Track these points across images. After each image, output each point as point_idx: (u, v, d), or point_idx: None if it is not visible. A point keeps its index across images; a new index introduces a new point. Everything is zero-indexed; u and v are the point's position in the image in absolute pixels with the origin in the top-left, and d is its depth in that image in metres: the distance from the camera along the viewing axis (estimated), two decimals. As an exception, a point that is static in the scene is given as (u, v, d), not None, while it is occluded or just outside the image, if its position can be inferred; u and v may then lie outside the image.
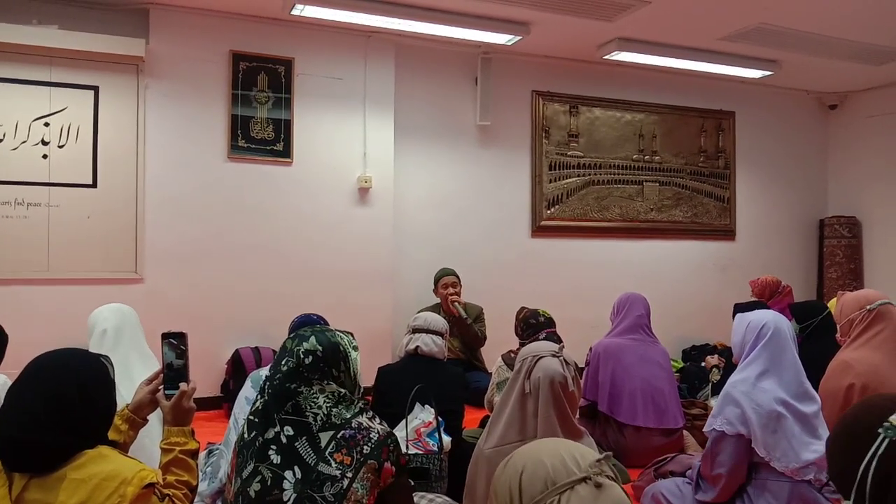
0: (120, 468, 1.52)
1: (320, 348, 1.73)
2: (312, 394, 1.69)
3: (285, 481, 1.61)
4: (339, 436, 1.65)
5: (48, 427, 1.50)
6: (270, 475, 1.63)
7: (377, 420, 1.76)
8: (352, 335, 1.86)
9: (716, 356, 4.43)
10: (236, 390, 3.31)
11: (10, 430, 1.50)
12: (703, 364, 4.36)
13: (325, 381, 1.71)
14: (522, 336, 3.65)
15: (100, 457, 1.54)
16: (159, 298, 4.23)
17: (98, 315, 2.75)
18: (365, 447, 1.64)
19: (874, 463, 1.08)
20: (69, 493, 1.47)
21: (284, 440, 1.65)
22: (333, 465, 1.61)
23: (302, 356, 1.72)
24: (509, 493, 1.15)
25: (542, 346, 2.50)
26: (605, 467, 1.16)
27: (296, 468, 1.62)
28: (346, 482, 1.60)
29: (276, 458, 1.64)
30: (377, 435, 1.67)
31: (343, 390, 1.72)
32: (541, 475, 1.14)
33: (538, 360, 2.36)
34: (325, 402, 1.68)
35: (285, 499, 1.60)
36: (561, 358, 2.39)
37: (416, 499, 2.29)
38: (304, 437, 1.65)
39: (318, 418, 1.67)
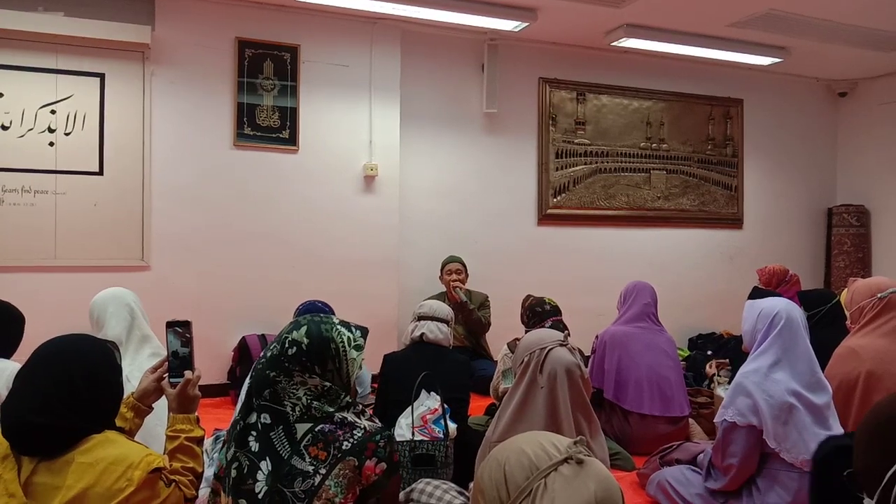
0: (127, 452, 1.53)
1: (306, 341, 1.64)
2: (292, 385, 1.62)
3: (259, 472, 1.56)
4: (317, 429, 1.58)
5: (57, 411, 1.51)
6: (247, 463, 1.58)
7: (366, 416, 1.68)
8: (363, 332, 1.75)
9: (713, 363, 4.35)
10: (243, 377, 3.32)
11: (20, 413, 1.52)
12: (704, 373, 4.29)
13: (308, 375, 1.63)
14: (528, 324, 3.65)
15: (107, 441, 1.55)
16: (166, 286, 4.24)
17: (112, 298, 2.74)
18: (345, 443, 1.56)
19: None
20: (77, 477, 1.48)
21: (261, 428, 1.60)
22: (307, 459, 1.55)
23: (287, 345, 1.65)
24: (495, 487, 1.17)
25: (544, 334, 2.48)
26: (581, 447, 1.18)
27: (268, 459, 1.56)
28: (318, 479, 1.53)
29: (254, 446, 1.59)
30: (362, 431, 1.59)
31: (328, 384, 1.63)
32: (524, 464, 1.16)
33: (548, 352, 2.34)
34: (304, 394, 1.61)
35: (257, 490, 1.55)
36: (568, 346, 2.39)
37: (421, 485, 2.30)
38: (281, 427, 1.59)
39: (297, 409, 1.60)
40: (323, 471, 1.54)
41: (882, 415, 1.15)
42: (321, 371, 1.64)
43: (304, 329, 1.66)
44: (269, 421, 1.60)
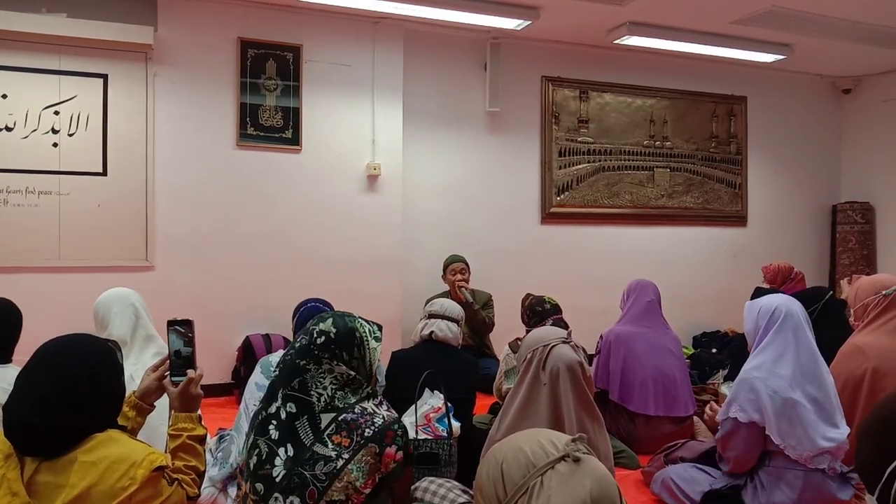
0: (130, 451, 1.53)
1: (334, 330, 1.75)
2: (320, 373, 1.71)
3: (277, 458, 1.64)
4: (340, 418, 1.66)
5: (60, 410, 1.51)
6: (266, 450, 1.66)
7: (384, 406, 1.76)
8: (379, 327, 1.86)
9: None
10: (247, 377, 3.32)
11: (22, 414, 1.51)
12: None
13: (335, 363, 1.72)
14: (528, 323, 3.64)
15: (110, 440, 1.55)
16: (170, 286, 4.25)
17: (117, 298, 2.73)
18: (367, 430, 1.64)
19: None
20: (80, 476, 1.48)
21: (284, 416, 1.67)
22: (330, 446, 1.63)
23: (315, 335, 1.75)
24: (493, 485, 1.17)
25: (548, 332, 2.47)
26: (580, 445, 1.18)
27: (288, 445, 1.64)
28: (340, 463, 1.61)
29: (274, 434, 1.67)
30: (382, 420, 1.68)
31: (352, 373, 1.73)
32: (521, 461, 1.16)
33: (551, 349, 2.33)
34: (330, 383, 1.70)
35: (274, 475, 1.62)
36: (571, 343, 2.38)
37: (425, 483, 2.29)
38: (306, 417, 1.67)
39: (322, 399, 1.68)
40: (346, 455, 1.61)
41: (881, 414, 1.17)
42: (348, 358, 1.74)
43: (329, 321, 1.78)
44: (294, 410, 1.68)
